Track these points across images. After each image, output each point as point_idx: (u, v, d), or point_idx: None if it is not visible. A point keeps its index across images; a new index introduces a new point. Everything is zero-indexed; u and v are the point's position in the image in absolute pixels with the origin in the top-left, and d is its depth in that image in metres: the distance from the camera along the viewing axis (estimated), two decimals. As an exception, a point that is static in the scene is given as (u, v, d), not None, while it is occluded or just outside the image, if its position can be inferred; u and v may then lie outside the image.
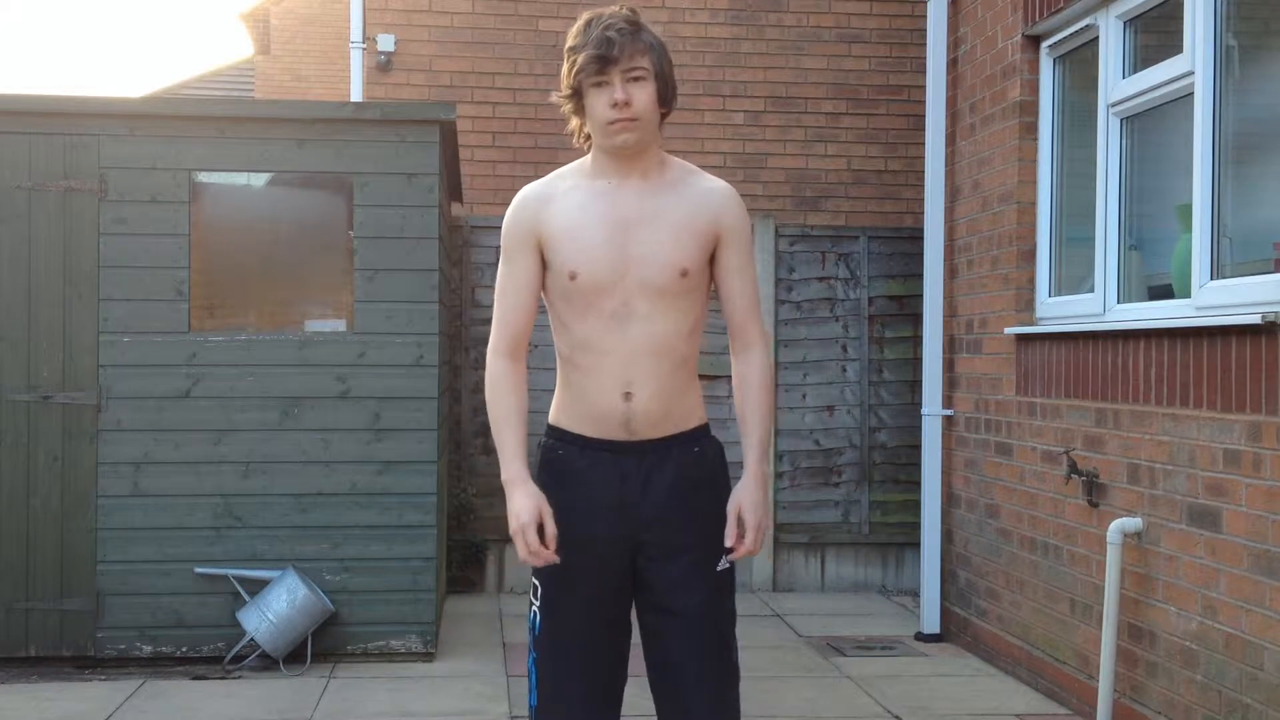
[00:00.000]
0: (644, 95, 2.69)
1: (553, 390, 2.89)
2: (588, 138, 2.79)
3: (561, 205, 2.77)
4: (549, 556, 2.68)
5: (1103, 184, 5.16)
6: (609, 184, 2.76)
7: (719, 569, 2.79)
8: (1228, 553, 4.14)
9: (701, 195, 2.80)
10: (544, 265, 2.79)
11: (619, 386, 2.72)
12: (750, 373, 2.85)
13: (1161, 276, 4.90)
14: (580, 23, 2.72)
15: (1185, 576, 4.39)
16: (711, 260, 2.81)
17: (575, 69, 2.68)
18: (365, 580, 5.80)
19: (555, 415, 2.85)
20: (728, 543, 2.74)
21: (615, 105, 2.66)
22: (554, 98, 2.80)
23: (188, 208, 5.75)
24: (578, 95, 2.72)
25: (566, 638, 2.76)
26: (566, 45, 2.73)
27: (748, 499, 2.75)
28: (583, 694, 2.76)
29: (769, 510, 2.81)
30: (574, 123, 2.80)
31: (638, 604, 2.81)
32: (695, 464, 2.80)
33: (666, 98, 2.76)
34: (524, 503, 2.71)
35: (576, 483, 2.77)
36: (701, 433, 2.84)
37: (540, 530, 2.69)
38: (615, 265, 2.71)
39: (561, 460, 2.80)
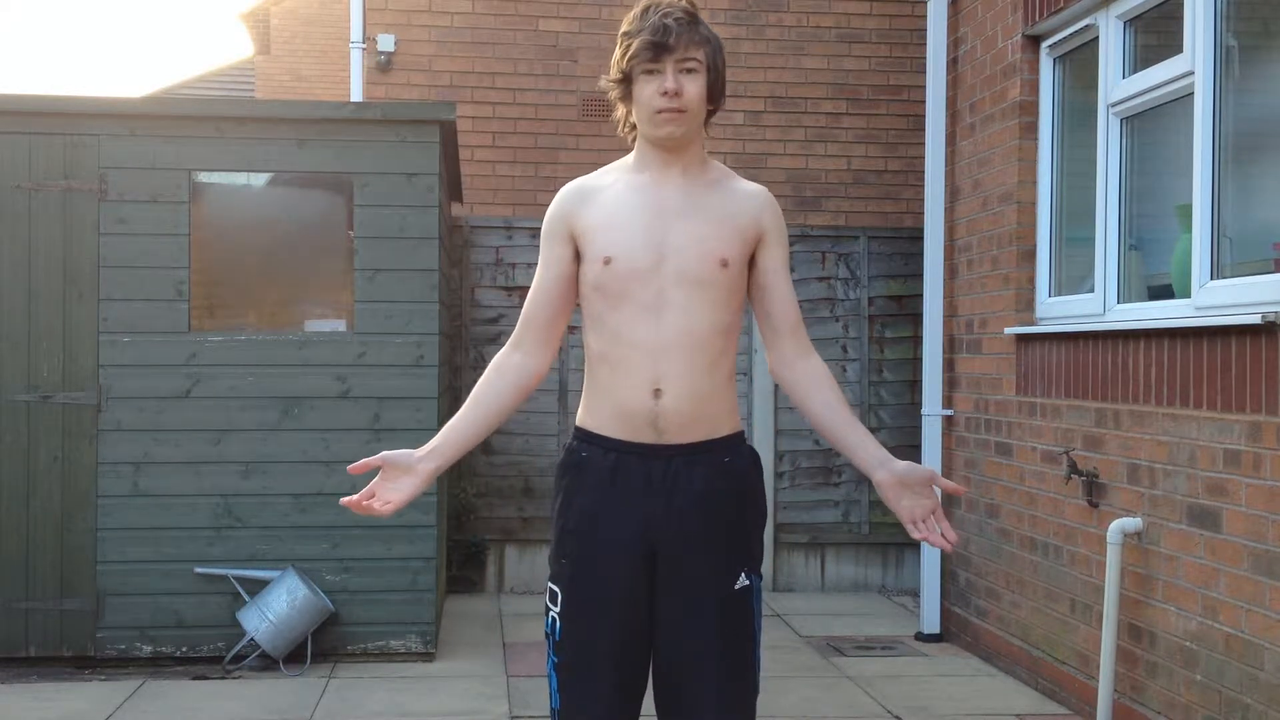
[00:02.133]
0: (694, 87, 2.64)
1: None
2: (632, 127, 2.74)
3: (601, 198, 2.73)
4: (356, 499, 2.72)
5: (1103, 184, 5.16)
6: (650, 177, 2.72)
7: (737, 586, 2.70)
8: (1228, 553, 4.14)
9: (742, 196, 2.76)
10: (578, 259, 2.74)
11: (649, 382, 2.64)
12: (821, 369, 2.77)
13: (1161, 276, 4.90)
14: (637, 9, 2.67)
15: (1185, 576, 4.39)
16: (751, 264, 2.75)
17: (629, 54, 2.63)
18: (365, 580, 5.80)
19: (581, 416, 2.77)
20: (960, 489, 2.71)
21: (665, 94, 2.61)
22: (603, 82, 2.75)
23: (188, 208, 5.75)
24: (627, 81, 2.67)
25: (588, 644, 2.70)
26: (621, 30, 2.68)
27: (918, 467, 2.69)
28: (606, 698, 2.70)
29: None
30: (619, 110, 2.75)
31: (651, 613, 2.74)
32: (724, 475, 2.71)
33: (716, 94, 2.71)
34: (396, 450, 2.75)
35: (599, 487, 2.69)
36: (735, 441, 2.75)
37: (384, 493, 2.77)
38: (652, 253, 2.65)
39: (585, 463, 2.72)
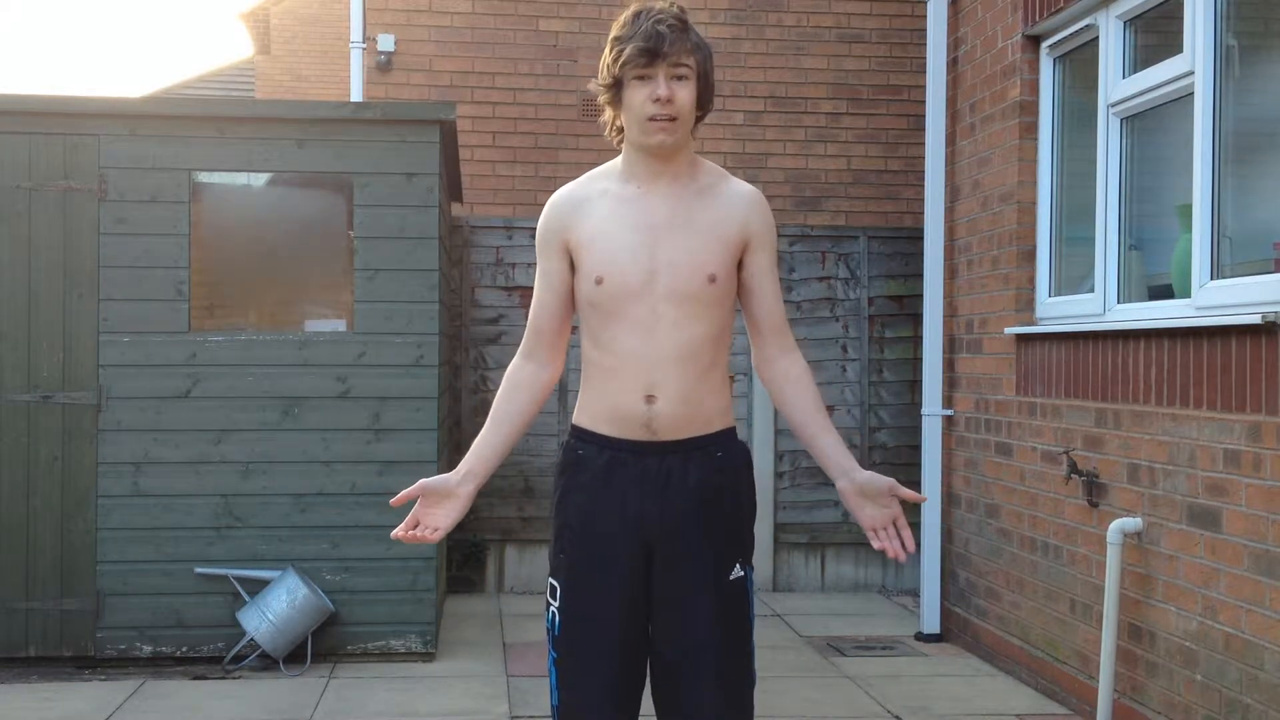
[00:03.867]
0: (685, 94, 2.65)
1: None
2: (619, 131, 2.75)
3: (592, 209, 2.74)
4: (403, 531, 2.72)
5: (1103, 184, 5.16)
6: (639, 189, 2.73)
7: (732, 577, 2.74)
8: (1228, 553, 4.14)
9: (730, 201, 2.77)
10: (574, 269, 2.76)
11: (643, 389, 2.68)
12: (799, 369, 2.81)
13: (1161, 276, 4.90)
14: (628, 13, 2.68)
15: (1185, 576, 4.39)
16: (739, 267, 2.77)
17: (620, 60, 2.64)
18: (365, 580, 5.80)
19: (578, 415, 2.81)
20: (919, 498, 2.75)
21: (657, 101, 2.62)
22: (592, 86, 2.76)
23: (188, 208, 5.75)
24: (617, 86, 2.68)
25: (587, 638, 2.73)
26: (611, 35, 2.69)
27: (879, 478, 2.71)
28: (604, 694, 2.73)
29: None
30: (608, 114, 2.76)
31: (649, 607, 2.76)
32: (717, 470, 2.75)
33: (705, 100, 2.73)
34: (433, 477, 2.79)
35: (595, 483, 2.73)
36: (726, 436, 2.78)
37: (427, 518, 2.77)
38: (643, 271, 2.68)
39: (581, 460, 2.77)
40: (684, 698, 2.71)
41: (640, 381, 2.68)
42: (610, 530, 2.72)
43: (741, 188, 2.82)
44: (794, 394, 2.81)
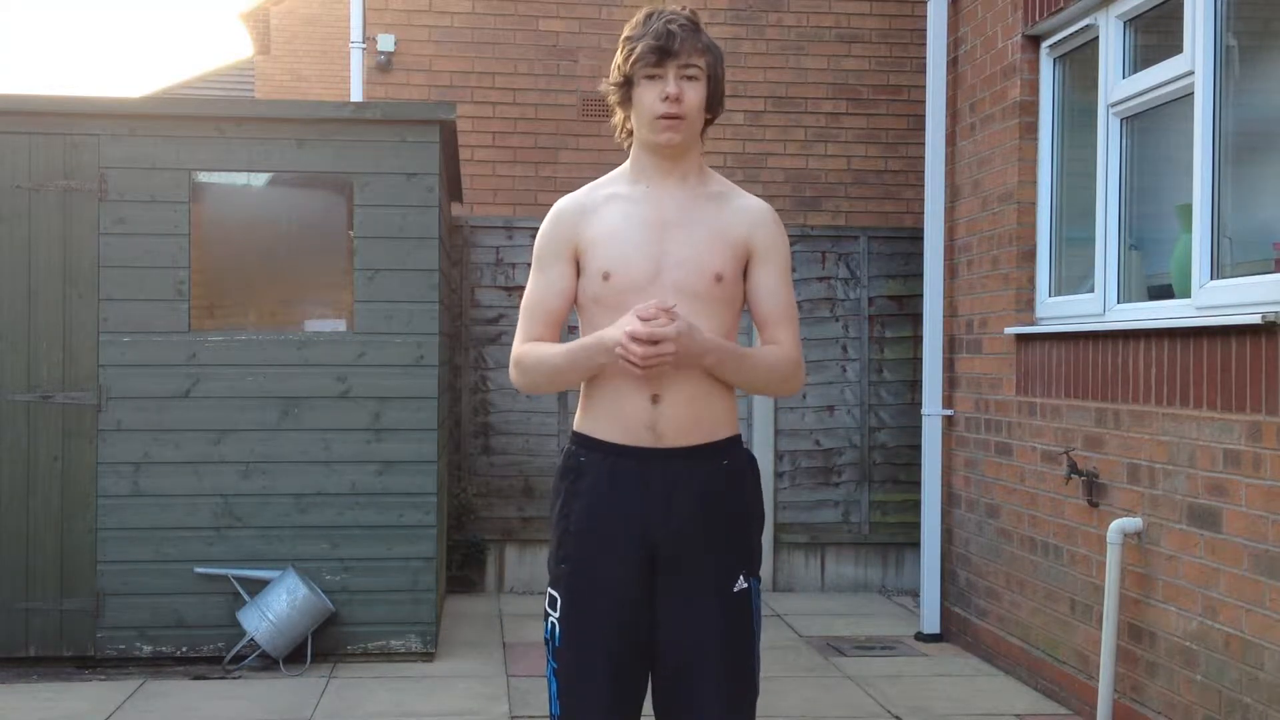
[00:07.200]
0: (695, 94, 2.67)
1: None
2: (629, 133, 2.76)
3: (600, 213, 2.75)
4: (645, 328, 2.51)
5: (1103, 184, 5.16)
6: (647, 188, 2.74)
7: (736, 589, 2.72)
8: (1228, 553, 4.14)
9: (737, 211, 2.77)
10: (578, 272, 2.75)
11: (648, 388, 2.65)
12: (767, 347, 2.78)
13: (1161, 276, 4.90)
14: (640, 14, 2.70)
15: (1185, 576, 4.39)
16: (746, 278, 2.77)
17: (631, 58, 2.66)
18: (365, 580, 5.80)
19: (579, 422, 2.79)
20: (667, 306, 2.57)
21: (666, 99, 2.63)
22: (603, 86, 2.77)
23: (188, 208, 5.75)
24: (628, 85, 2.69)
25: (587, 649, 2.70)
26: (623, 35, 2.71)
27: (691, 330, 2.58)
28: (606, 704, 2.71)
29: (693, 350, 2.59)
30: (618, 115, 2.77)
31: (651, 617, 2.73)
32: (721, 477, 2.73)
33: (715, 102, 2.74)
34: (609, 330, 2.59)
35: (598, 491, 2.71)
36: (731, 444, 2.77)
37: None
38: (650, 267, 2.68)
39: (584, 467, 2.74)
40: (685, 709, 2.70)
41: (646, 382, 2.64)
42: (613, 539, 2.69)
43: (752, 202, 2.81)
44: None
